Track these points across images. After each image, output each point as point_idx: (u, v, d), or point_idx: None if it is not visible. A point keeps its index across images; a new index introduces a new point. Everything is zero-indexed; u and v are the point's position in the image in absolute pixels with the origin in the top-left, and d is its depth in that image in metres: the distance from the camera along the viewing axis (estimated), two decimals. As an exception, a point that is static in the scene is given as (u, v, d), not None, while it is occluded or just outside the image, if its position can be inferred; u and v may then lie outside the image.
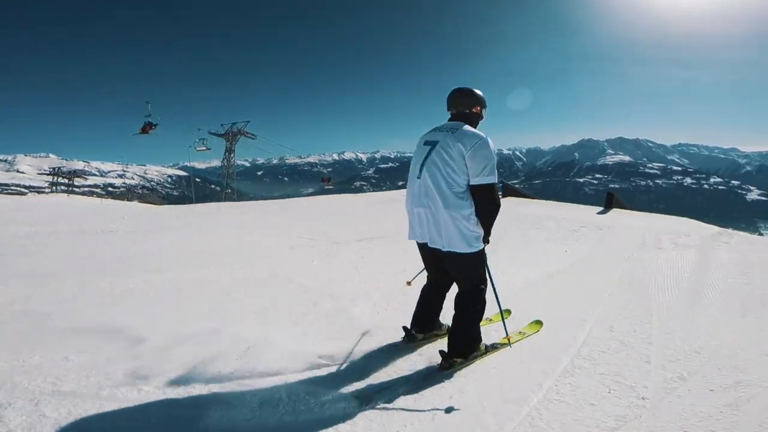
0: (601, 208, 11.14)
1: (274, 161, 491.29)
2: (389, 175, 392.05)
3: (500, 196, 2.43)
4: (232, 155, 37.44)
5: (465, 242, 2.23)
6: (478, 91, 2.38)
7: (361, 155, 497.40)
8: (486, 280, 2.40)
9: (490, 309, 2.51)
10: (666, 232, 7.10)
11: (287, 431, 1.83)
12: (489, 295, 2.44)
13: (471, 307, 2.35)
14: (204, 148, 31.98)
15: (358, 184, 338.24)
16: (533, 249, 5.93)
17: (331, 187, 46.59)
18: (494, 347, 2.55)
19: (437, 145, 2.26)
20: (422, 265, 2.65)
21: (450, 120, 2.40)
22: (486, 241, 2.31)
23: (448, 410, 1.96)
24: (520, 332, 2.83)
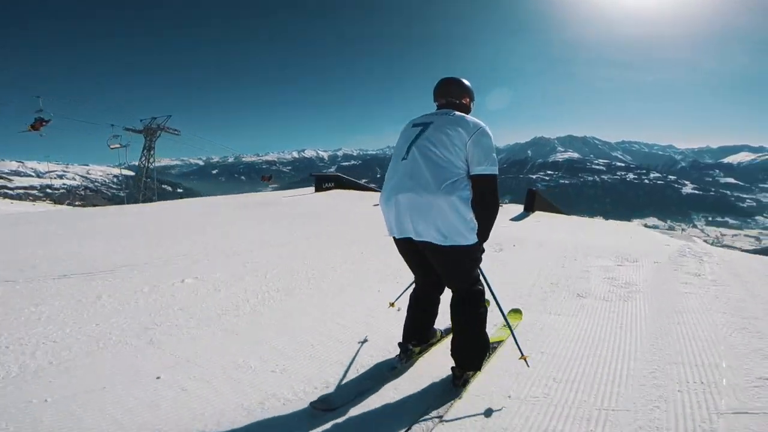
0: (521, 210, 8.86)
1: (230, 159, 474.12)
2: (351, 173, 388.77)
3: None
4: (152, 153, 34.50)
5: (464, 229, 1.86)
6: (467, 82, 2.19)
7: (322, 153, 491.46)
8: (480, 280, 2.09)
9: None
10: (600, 253, 4.96)
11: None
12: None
13: (474, 310, 2.01)
14: (118, 145, 29.79)
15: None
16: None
17: (275, 185, 45.97)
18: (494, 347, 2.36)
19: (431, 125, 1.96)
20: (405, 282, 2.36)
21: (439, 107, 2.16)
22: (483, 241, 1.98)
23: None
24: (504, 326, 2.66)
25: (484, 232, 1.94)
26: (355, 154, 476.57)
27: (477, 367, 2.07)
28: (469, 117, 1.99)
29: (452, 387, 2.02)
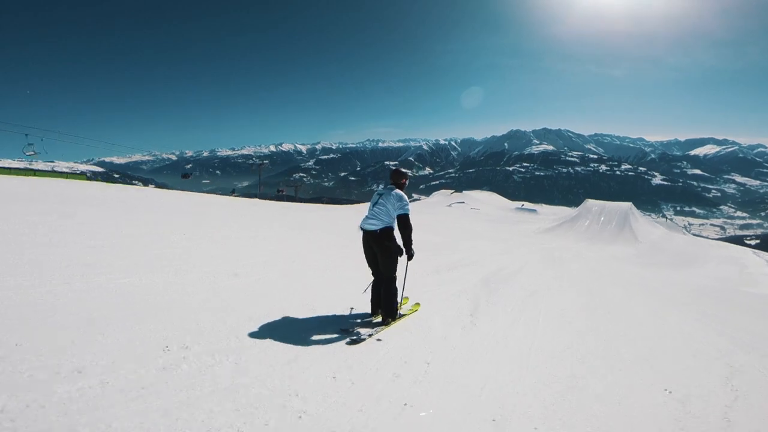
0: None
1: (205, 154, 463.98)
2: (331, 166, 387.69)
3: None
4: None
5: (389, 227, 3.98)
6: (405, 170, 4.29)
7: (300, 146, 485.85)
8: (395, 275, 4.01)
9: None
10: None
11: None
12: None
13: (390, 289, 3.99)
14: (32, 152, 31.22)
15: (297, 175, 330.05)
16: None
17: (189, 178, 45.41)
18: (402, 315, 4.30)
19: (384, 195, 4.08)
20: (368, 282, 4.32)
21: (390, 184, 4.20)
22: (408, 247, 4.00)
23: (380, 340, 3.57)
24: (409, 309, 4.58)
25: (406, 241, 3.99)
26: (334, 147, 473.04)
27: (392, 317, 4.00)
28: (398, 192, 4.02)
29: (383, 324, 3.95)
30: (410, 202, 4.13)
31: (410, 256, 4.02)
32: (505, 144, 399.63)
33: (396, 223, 3.97)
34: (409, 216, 3.98)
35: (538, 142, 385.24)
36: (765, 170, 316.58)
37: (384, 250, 3.94)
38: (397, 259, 4.00)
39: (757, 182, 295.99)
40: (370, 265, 4.13)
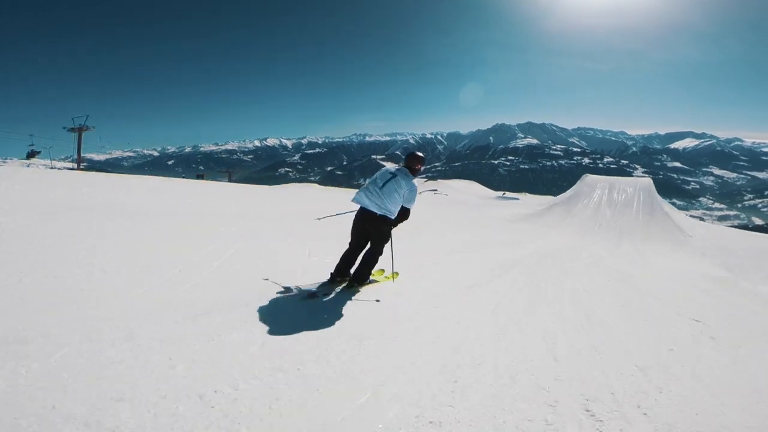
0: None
1: (187, 149, 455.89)
2: (317, 160, 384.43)
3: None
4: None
5: (390, 215, 3.93)
6: (422, 156, 4.22)
7: (286, 141, 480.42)
8: (383, 250, 4.09)
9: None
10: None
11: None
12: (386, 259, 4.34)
13: (372, 259, 4.04)
14: (33, 156, 33.89)
15: (283, 170, 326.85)
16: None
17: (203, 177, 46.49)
18: (372, 282, 4.27)
19: (397, 176, 3.96)
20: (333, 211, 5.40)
21: (404, 165, 4.13)
22: (394, 225, 4.09)
23: (351, 298, 3.76)
24: (385, 277, 4.61)
25: (397, 221, 4.07)
26: (320, 141, 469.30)
27: (360, 282, 4.00)
28: (413, 181, 4.03)
29: (348, 288, 3.98)
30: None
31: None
32: (491, 138, 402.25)
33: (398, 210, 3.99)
34: None
35: (522, 135, 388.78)
36: (741, 163, 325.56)
37: (381, 232, 3.96)
38: (389, 236, 4.08)
39: (734, 175, 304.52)
40: (353, 236, 4.08)
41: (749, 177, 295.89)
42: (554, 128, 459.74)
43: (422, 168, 4.19)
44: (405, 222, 4.23)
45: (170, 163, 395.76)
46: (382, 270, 4.74)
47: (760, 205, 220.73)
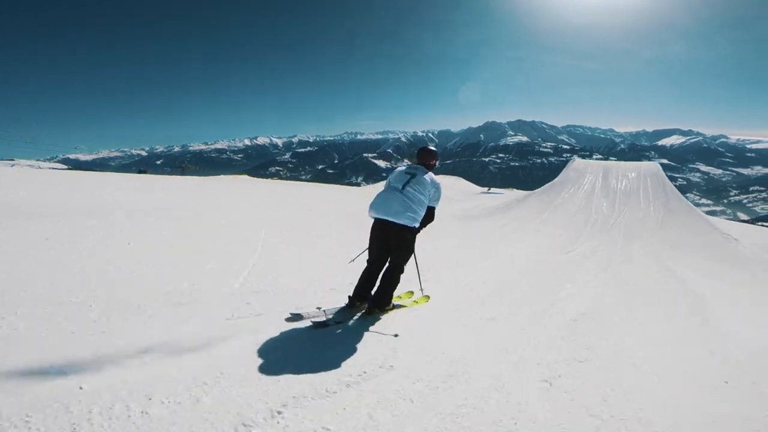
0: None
1: (176, 149, 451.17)
2: (308, 159, 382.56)
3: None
4: None
5: (412, 224, 3.36)
6: (434, 149, 3.75)
7: (276, 140, 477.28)
8: (404, 267, 3.49)
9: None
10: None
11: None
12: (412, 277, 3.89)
13: (394, 278, 3.46)
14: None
15: (273, 169, 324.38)
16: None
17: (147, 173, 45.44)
18: (396, 307, 3.71)
19: (417, 175, 3.49)
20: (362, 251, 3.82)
21: (417, 163, 3.68)
22: (418, 231, 3.51)
23: (368, 329, 3.14)
24: (414, 301, 3.97)
25: (421, 227, 3.51)
26: (311, 140, 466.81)
27: (380, 308, 3.45)
28: (434, 177, 3.56)
29: (367, 315, 3.41)
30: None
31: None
32: (481, 135, 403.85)
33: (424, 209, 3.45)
34: None
35: (513, 133, 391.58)
36: (726, 160, 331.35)
37: (405, 243, 3.40)
38: (413, 249, 3.55)
39: (720, 171, 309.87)
40: (372, 251, 3.50)
41: (734, 173, 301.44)
42: (544, 126, 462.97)
43: (437, 163, 3.76)
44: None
45: (159, 162, 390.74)
46: (411, 292, 4.14)
47: (745, 201, 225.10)
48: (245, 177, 27.02)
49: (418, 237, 3.55)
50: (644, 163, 19.27)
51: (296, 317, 3.13)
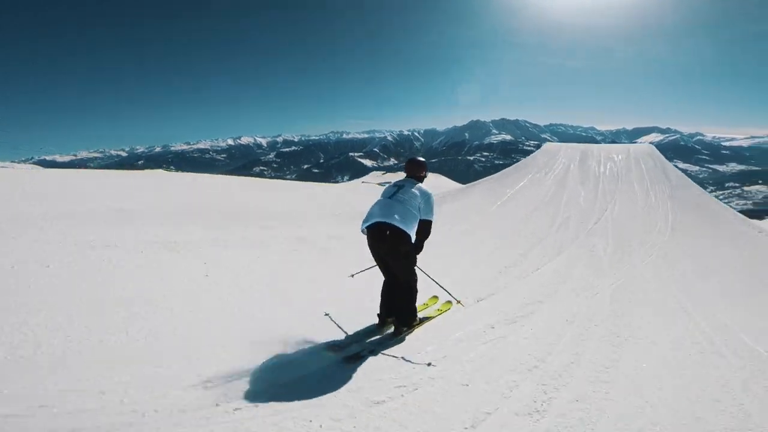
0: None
1: (157, 149, 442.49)
2: (293, 159, 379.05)
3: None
4: None
5: (407, 236, 3.19)
6: (423, 159, 3.61)
7: (260, 139, 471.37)
8: (416, 276, 3.39)
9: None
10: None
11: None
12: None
13: (409, 293, 3.33)
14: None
15: (257, 169, 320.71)
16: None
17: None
18: (424, 320, 3.61)
19: (404, 187, 3.36)
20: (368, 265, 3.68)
21: (407, 177, 3.52)
22: (417, 252, 3.38)
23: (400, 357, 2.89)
24: (438, 309, 3.86)
25: (418, 245, 3.34)
26: (296, 140, 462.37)
27: (407, 325, 3.35)
28: (424, 187, 3.41)
29: (397, 336, 3.30)
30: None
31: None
32: (466, 134, 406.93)
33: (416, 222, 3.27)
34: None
35: (497, 132, 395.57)
36: (703, 157, 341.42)
37: (401, 254, 3.22)
38: (415, 258, 3.38)
39: (697, 168, 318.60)
40: (380, 267, 3.44)
41: (711, 170, 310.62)
42: (527, 124, 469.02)
43: (427, 174, 3.61)
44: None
45: (140, 163, 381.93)
46: (436, 297, 4.05)
47: (721, 197, 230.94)
48: (160, 172, 22.69)
49: None
50: (633, 145, 16.45)
51: (335, 347, 3.02)
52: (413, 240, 3.23)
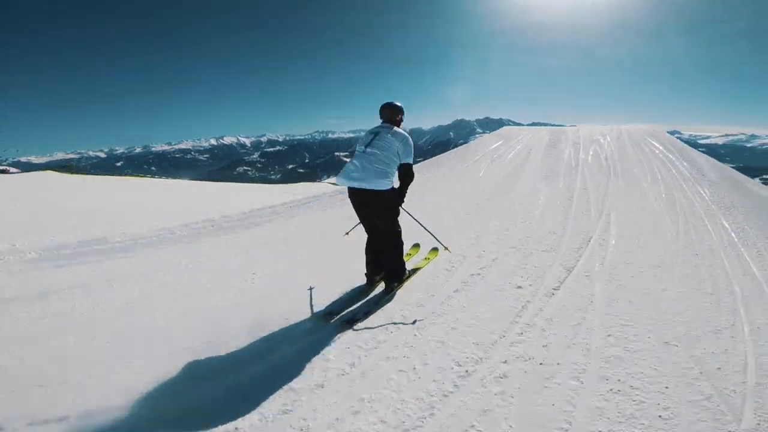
0: None
1: (138, 150, 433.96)
2: (277, 159, 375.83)
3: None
4: None
5: (386, 186, 3.08)
6: (399, 104, 3.39)
7: (244, 139, 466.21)
8: (400, 228, 3.29)
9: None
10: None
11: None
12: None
13: (395, 245, 3.26)
14: None
15: (241, 169, 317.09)
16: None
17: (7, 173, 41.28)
18: (413, 272, 3.65)
19: (380, 133, 3.20)
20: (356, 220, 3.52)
21: (383, 123, 3.36)
22: (400, 202, 3.22)
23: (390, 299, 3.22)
24: (425, 258, 3.94)
25: (402, 191, 3.21)
26: (280, 139, 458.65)
27: (398, 280, 3.33)
28: (400, 130, 3.24)
29: (389, 293, 3.31)
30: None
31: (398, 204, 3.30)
32: (451, 133, 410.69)
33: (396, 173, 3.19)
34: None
35: (481, 131, 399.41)
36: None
37: (386, 208, 3.16)
38: (398, 210, 3.27)
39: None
40: (361, 221, 3.39)
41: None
42: (511, 123, 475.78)
43: (403, 117, 3.43)
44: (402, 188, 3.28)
45: (119, 164, 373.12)
46: (417, 246, 4.17)
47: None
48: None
49: None
50: (627, 126, 12.27)
51: (329, 314, 2.96)
52: (395, 186, 3.18)
